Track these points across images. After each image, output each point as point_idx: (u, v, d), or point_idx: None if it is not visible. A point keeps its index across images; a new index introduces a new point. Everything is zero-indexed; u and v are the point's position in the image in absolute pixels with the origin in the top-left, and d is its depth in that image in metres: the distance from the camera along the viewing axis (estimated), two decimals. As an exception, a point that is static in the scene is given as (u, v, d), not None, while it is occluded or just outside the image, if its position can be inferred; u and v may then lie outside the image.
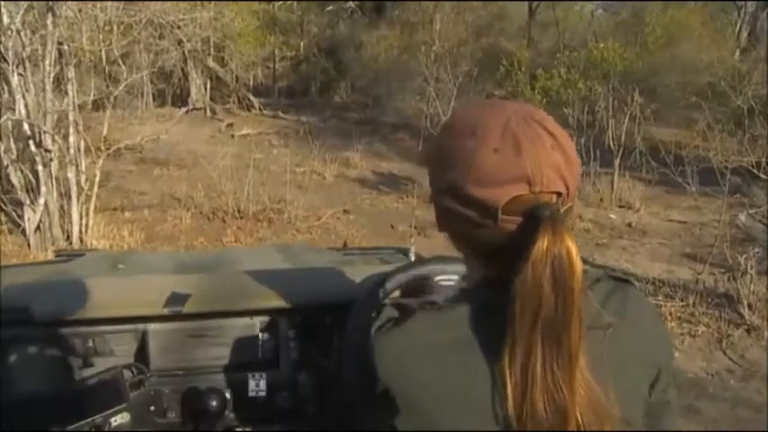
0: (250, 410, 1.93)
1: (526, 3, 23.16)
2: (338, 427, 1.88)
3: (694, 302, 7.21)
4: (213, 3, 19.11)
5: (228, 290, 2.09)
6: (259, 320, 1.99)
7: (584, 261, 1.01)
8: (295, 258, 2.98)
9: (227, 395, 1.89)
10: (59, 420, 1.76)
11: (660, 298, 7.33)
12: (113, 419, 1.80)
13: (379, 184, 13.00)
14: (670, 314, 7.04)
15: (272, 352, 1.99)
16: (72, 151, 7.85)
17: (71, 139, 7.81)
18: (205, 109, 19.36)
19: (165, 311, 1.91)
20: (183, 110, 19.15)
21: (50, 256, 6.77)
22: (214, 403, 1.84)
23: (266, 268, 2.39)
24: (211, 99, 19.99)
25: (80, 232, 8.09)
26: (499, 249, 1.06)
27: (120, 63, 8.66)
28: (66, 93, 7.61)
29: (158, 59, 18.11)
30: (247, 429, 1.93)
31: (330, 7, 22.53)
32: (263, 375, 1.92)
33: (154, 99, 20.26)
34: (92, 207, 8.34)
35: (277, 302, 1.98)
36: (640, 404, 1.11)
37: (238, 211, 10.06)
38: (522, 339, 0.99)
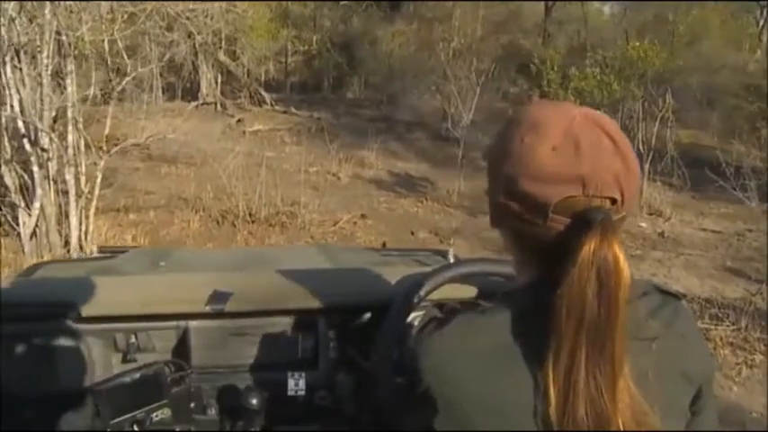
0: (289, 409, 1.93)
1: (542, 1, 22.43)
2: (375, 428, 1.87)
3: (747, 326, 6.46)
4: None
5: (269, 289, 2.04)
6: (299, 320, 1.98)
7: (630, 273, 0.95)
8: (334, 258, 2.96)
9: (267, 394, 1.85)
10: (101, 415, 1.76)
11: (707, 320, 6.57)
12: (154, 415, 1.82)
13: (395, 186, 12.26)
14: (720, 339, 6.30)
15: (312, 352, 1.98)
16: (71, 151, 7.08)
17: (70, 137, 7.04)
18: (216, 103, 18.65)
19: (207, 309, 1.90)
20: (193, 104, 18.43)
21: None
22: (253, 401, 1.81)
23: (306, 268, 2.39)
24: (222, 93, 19.28)
25: (79, 238, 7.35)
26: (547, 250, 1.02)
27: (124, 55, 7.87)
28: (65, 88, 6.83)
29: (167, 52, 17.49)
30: (286, 428, 1.92)
31: (344, 1, 21.73)
32: (303, 375, 1.93)
33: (163, 93, 19.54)
34: (92, 211, 7.58)
35: (317, 302, 1.96)
36: (682, 419, 1.08)
37: (249, 215, 9.34)
38: (566, 344, 0.96)
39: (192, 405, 1.91)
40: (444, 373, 1.05)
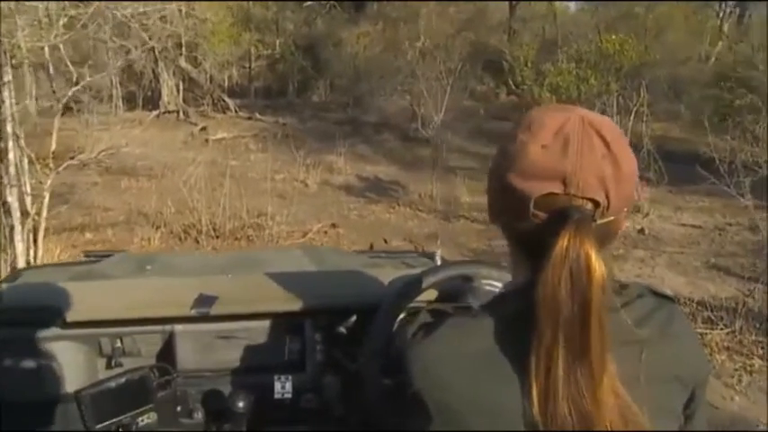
0: (275, 412, 1.91)
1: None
2: (363, 429, 1.87)
3: (741, 328, 6.04)
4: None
5: (255, 292, 2.02)
6: (285, 323, 1.96)
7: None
8: (321, 261, 2.89)
9: (253, 397, 1.83)
10: (86, 420, 1.76)
11: (700, 324, 6.15)
12: (140, 419, 1.82)
13: (366, 191, 11.72)
14: (716, 344, 5.90)
15: (298, 354, 1.97)
16: (12, 170, 6.42)
17: (10, 155, 6.37)
18: (178, 112, 18.02)
19: (193, 313, 1.88)
20: (154, 113, 17.77)
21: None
22: (240, 405, 1.80)
23: (292, 270, 2.37)
24: (184, 101, 18.65)
25: (27, 263, 6.69)
26: (534, 248, 1.01)
27: (68, 63, 7.22)
28: (2, 101, 6.17)
29: (125, 60, 16.80)
30: (272, 431, 1.91)
31: (308, 3, 21.14)
32: (289, 378, 1.91)
33: (124, 102, 18.84)
34: (41, 233, 6.93)
35: (303, 305, 1.95)
36: (674, 422, 1.08)
37: (213, 229, 8.75)
38: (544, 344, 0.96)
39: (179, 409, 1.90)
40: (435, 377, 1.04)
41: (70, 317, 1.86)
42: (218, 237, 8.69)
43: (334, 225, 9.52)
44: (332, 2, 20.63)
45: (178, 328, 1.92)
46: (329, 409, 1.93)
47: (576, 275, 0.95)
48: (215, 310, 1.91)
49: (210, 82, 19.04)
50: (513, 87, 21.84)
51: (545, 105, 1.22)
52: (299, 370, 1.96)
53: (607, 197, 1.00)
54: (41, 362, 1.87)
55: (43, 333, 1.87)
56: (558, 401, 0.95)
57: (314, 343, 1.97)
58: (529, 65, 10.51)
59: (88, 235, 8.76)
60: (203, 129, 16.45)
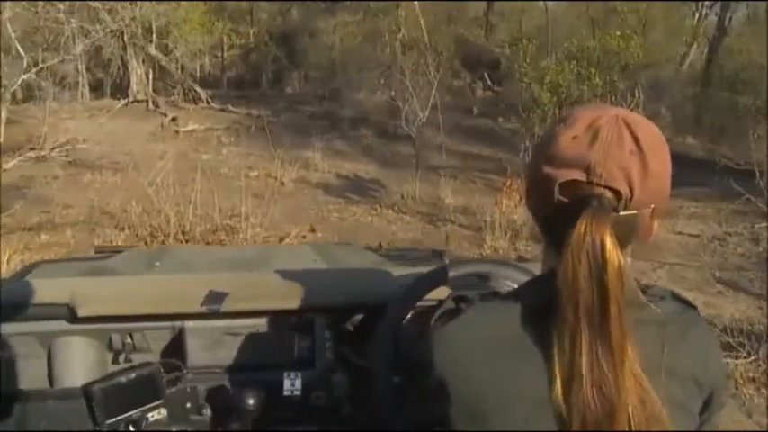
0: (284, 409, 1.90)
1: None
2: (371, 427, 1.84)
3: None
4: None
5: (265, 289, 1.98)
6: (295, 320, 1.94)
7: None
8: (331, 258, 2.81)
9: (263, 394, 1.82)
10: (96, 415, 1.76)
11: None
12: (150, 415, 1.82)
13: (345, 191, 10.95)
14: (740, 375, 5.25)
15: (308, 351, 1.95)
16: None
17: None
18: (147, 101, 17.09)
19: (203, 309, 1.87)
20: (123, 102, 16.82)
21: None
22: (249, 402, 1.79)
23: (302, 267, 2.32)
24: (154, 90, 17.69)
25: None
26: (557, 233, 1.01)
27: (19, 47, 6.35)
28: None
29: (89, 44, 15.82)
30: (281, 428, 1.90)
31: (283, -10, 20.29)
32: (299, 375, 1.89)
33: (91, 90, 17.83)
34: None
35: (313, 302, 1.93)
36: (690, 421, 1.06)
37: (182, 233, 7.90)
38: (567, 330, 0.96)
39: (188, 405, 1.88)
40: (459, 361, 1.04)
41: (82, 312, 1.83)
42: (187, 240, 7.85)
43: (312, 229, 8.75)
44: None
45: (188, 324, 1.91)
46: (338, 407, 1.90)
47: (592, 262, 0.95)
48: (225, 306, 1.89)
49: (182, 71, 18.09)
50: (490, 83, 21.51)
51: (589, 104, 1.15)
52: (309, 367, 1.94)
53: (631, 189, 0.99)
54: (52, 356, 1.87)
55: (54, 327, 1.86)
56: (582, 386, 0.94)
57: (323, 340, 1.94)
58: (528, 60, 9.74)
59: (44, 236, 7.88)
60: (173, 120, 15.56)
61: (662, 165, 1.03)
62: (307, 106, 17.88)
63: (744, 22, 18.78)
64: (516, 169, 11.94)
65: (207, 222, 8.18)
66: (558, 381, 0.96)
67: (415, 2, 15.67)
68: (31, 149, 10.83)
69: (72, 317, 1.84)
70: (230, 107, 17.19)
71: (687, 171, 12.14)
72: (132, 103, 16.98)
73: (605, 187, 0.99)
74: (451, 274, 1.76)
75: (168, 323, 1.91)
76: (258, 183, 10.73)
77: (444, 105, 13.54)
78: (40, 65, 7.01)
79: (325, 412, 1.91)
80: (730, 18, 18.85)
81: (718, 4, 19.60)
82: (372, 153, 13.59)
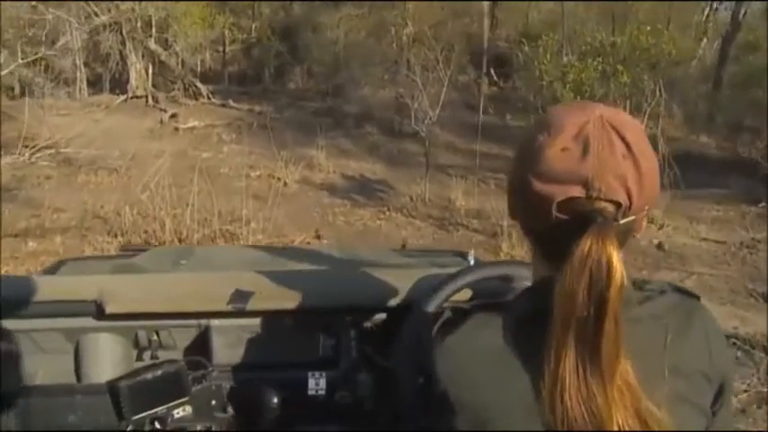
0: (309, 408, 1.89)
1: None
2: (395, 427, 1.81)
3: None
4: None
5: (290, 288, 1.95)
6: (320, 319, 1.93)
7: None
8: (355, 258, 2.80)
9: (287, 392, 1.84)
10: (124, 411, 1.76)
11: (763, 376, 4.94)
12: (175, 412, 1.82)
13: (351, 193, 10.37)
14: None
15: (332, 351, 1.94)
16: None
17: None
18: (147, 97, 16.45)
19: (229, 308, 1.86)
20: (121, 98, 16.21)
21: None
22: (274, 400, 1.81)
23: (327, 267, 2.38)
24: (154, 86, 17.05)
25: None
26: (552, 248, 1.02)
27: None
28: None
29: (90, 39, 15.26)
30: (305, 427, 1.88)
31: (286, -17, 19.61)
32: (323, 374, 1.89)
33: (89, 85, 17.20)
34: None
35: (338, 302, 1.93)
36: (701, 418, 1.03)
37: (179, 240, 7.33)
38: (554, 344, 0.95)
39: (213, 403, 1.87)
40: (458, 374, 1.04)
41: (110, 309, 1.82)
42: (184, 248, 7.27)
43: (318, 235, 8.19)
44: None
45: (214, 322, 1.90)
46: (362, 406, 1.86)
47: (595, 277, 0.93)
48: (251, 305, 1.86)
49: (182, 66, 17.45)
50: (496, 79, 20.89)
51: (564, 104, 1.21)
52: (333, 366, 1.91)
53: (629, 198, 0.97)
54: (79, 352, 1.87)
55: (82, 324, 1.86)
56: (567, 401, 0.93)
57: (348, 340, 1.91)
58: (549, 57, 9.04)
59: (32, 243, 7.31)
60: (173, 116, 14.98)
61: (651, 162, 1.00)
62: (310, 102, 17.26)
63: (759, 16, 17.99)
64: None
65: (205, 228, 7.66)
66: (545, 394, 0.95)
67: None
68: (25, 147, 10.29)
69: (100, 314, 1.85)
70: (232, 103, 16.59)
71: (705, 171, 11.56)
72: (131, 98, 16.37)
73: (605, 200, 0.96)
74: (476, 275, 1.74)
75: (194, 321, 1.91)
76: (260, 183, 10.18)
77: (451, 102, 12.95)
78: (29, 57, 6.41)
79: (350, 412, 1.89)
80: (745, 13, 18.14)
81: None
82: (378, 151, 13.00)
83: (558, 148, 0.97)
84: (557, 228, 0.98)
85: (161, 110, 15.55)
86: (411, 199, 9.93)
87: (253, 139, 13.04)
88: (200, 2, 17.80)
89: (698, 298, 1.11)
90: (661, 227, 9.09)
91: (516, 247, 7.68)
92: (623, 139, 0.97)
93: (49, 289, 1.92)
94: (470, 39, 18.80)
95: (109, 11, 15.34)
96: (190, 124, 14.37)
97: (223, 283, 1.94)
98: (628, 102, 8.85)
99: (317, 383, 1.88)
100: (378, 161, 12.38)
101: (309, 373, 1.88)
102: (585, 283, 0.93)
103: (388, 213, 9.28)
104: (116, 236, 7.67)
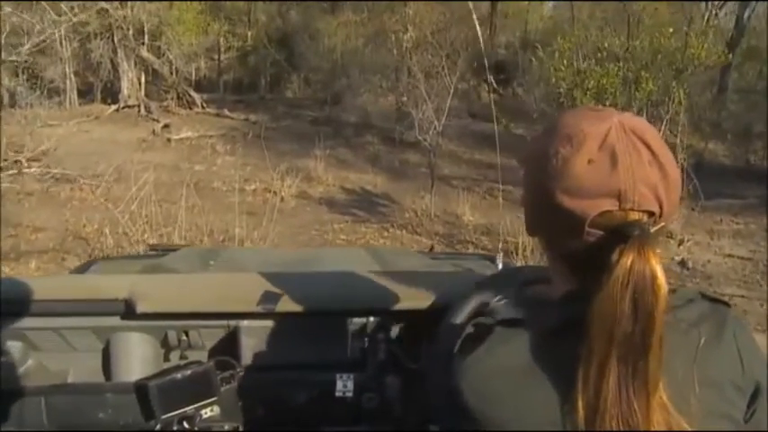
0: (336, 410, 1.83)
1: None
2: (422, 430, 1.71)
3: None
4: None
5: (319, 290, 1.93)
6: (348, 321, 1.85)
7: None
8: (384, 261, 2.76)
9: (315, 394, 1.82)
10: (153, 410, 1.72)
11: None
12: (204, 412, 1.77)
13: (352, 207, 9.63)
14: None
15: (360, 353, 1.86)
16: None
17: None
18: (139, 106, 15.76)
19: (259, 309, 1.83)
20: (113, 108, 15.50)
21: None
22: (301, 401, 1.81)
23: (355, 269, 2.21)
24: (146, 95, 16.36)
25: None
26: (583, 262, 0.97)
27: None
28: None
29: (81, 47, 14.57)
30: (333, 429, 1.82)
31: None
32: (351, 376, 1.82)
33: (80, 95, 16.49)
34: None
35: (367, 304, 1.86)
36: (731, 427, 0.98)
37: (165, 263, 6.56)
38: (596, 359, 0.91)
39: (241, 403, 1.82)
40: (482, 391, 0.99)
41: (140, 308, 1.79)
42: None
43: (317, 256, 7.43)
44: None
45: (243, 323, 1.85)
46: (390, 409, 1.79)
47: (640, 292, 0.89)
48: (279, 306, 1.81)
49: (175, 74, 16.73)
50: (495, 86, 20.26)
51: (577, 110, 1.03)
52: (361, 369, 1.82)
53: (660, 206, 0.94)
54: (110, 350, 1.86)
55: (112, 323, 1.85)
56: (606, 419, 0.90)
57: (376, 342, 1.82)
58: (566, 63, 8.30)
59: (5, 268, 6.54)
60: (166, 126, 14.28)
61: (675, 167, 0.96)
62: (307, 111, 16.57)
63: (765, 20, 17.27)
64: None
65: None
66: (581, 411, 0.90)
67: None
68: (4, 161, 9.62)
69: (130, 313, 1.81)
70: (227, 112, 15.91)
71: (717, 180, 10.85)
72: (123, 108, 15.67)
73: (639, 211, 0.92)
74: (504, 279, 1.52)
75: (223, 321, 1.86)
76: (255, 198, 9.47)
77: (451, 110, 12.25)
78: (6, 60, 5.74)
79: (377, 414, 1.79)
80: (749, 17, 17.47)
81: (733, 2, 18.26)
82: (379, 162, 12.29)
83: (585, 160, 0.92)
84: (589, 243, 0.94)
85: (153, 120, 14.86)
86: (416, 214, 9.21)
87: (248, 150, 12.32)
88: (195, 8, 17.11)
89: (728, 305, 1.04)
90: (681, 242, 8.40)
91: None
92: (647, 145, 0.93)
93: (79, 287, 1.93)
94: (471, 45, 18.15)
95: (99, 16, 14.61)
96: (183, 135, 13.65)
97: (252, 285, 1.90)
98: (647, 109, 8.12)
99: (344, 385, 1.83)
100: (379, 173, 11.66)
101: (337, 375, 1.83)
102: (630, 298, 0.88)
103: (391, 231, 8.55)
104: (97, 257, 6.91)
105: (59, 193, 9.55)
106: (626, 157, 0.91)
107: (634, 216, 0.92)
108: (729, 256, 8.23)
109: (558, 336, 0.96)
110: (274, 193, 9.61)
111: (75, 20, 10.80)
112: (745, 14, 17.08)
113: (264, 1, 20.26)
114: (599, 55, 8.13)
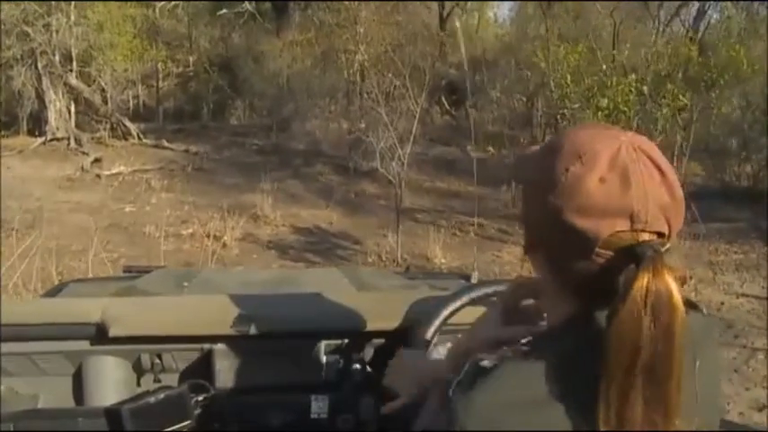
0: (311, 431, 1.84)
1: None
2: None
3: None
4: (74, 3, 14.03)
5: (294, 311, 1.88)
6: (324, 343, 1.80)
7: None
8: (359, 281, 2.63)
9: (290, 416, 1.75)
10: None
11: None
12: None
13: (305, 251, 8.25)
14: None
15: (336, 374, 1.83)
16: None
17: None
18: (68, 138, 14.08)
19: (233, 331, 1.75)
20: (39, 141, 13.84)
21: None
22: (277, 424, 1.74)
23: (331, 290, 2.16)
24: (77, 126, 14.70)
25: None
26: (587, 285, 0.91)
27: None
28: None
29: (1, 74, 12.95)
30: None
31: (223, 10, 17.39)
32: (326, 397, 1.78)
33: (5, 127, 14.76)
34: None
35: (342, 325, 1.81)
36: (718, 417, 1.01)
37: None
38: (617, 383, 0.84)
39: (216, 426, 1.77)
40: (492, 427, 0.89)
41: (113, 332, 1.72)
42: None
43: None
44: (249, 11, 16.97)
45: (217, 345, 1.76)
46: (365, 430, 1.75)
47: (659, 313, 0.83)
48: (254, 329, 1.74)
49: (109, 103, 15.12)
50: (447, 107, 19.18)
51: (583, 128, 0.98)
52: (337, 390, 1.78)
53: (669, 226, 0.90)
54: (82, 375, 1.79)
55: (84, 347, 1.77)
56: None
57: (352, 363, 1.77)
58: (569, 80, 7.14)
59: None
60: (96, 160, 12.69)
61: (678, 186, 0.91)
62: (253, 139, 15.14)
63: (720, 29, 16.18)
64: (510, 212, 9.50)
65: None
66: None
67: (374, 11, 13.05)
68: None
69: (102, 336, 1.74)
70: (165, 143, 14.38)
71: (708, 205, 9.88)
72: (51, 141, 14.01)
73: (650, 232, 0.87)
74: (475, 294, 1.60)
75: (197, 344, 1.78)
76: (192, 245, 8.01)
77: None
78: None
79: None
80: (706, 27, 16.56)
81: (684, 12, 17.38)
82: (333, 195, 10.91)
83: (596, 179, 0.86)
84: (599, 265, 0.88)
85: (83, 153, 13.25)
86: (380, 257, 7.87)
87: (187, 186, 10.87)
88: (129, 32, 15.56)
89: (704, 313, 0.99)
90: (684, 280, 7.21)
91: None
92: (657, 165, 0.88)
93: (51, 311, 1.87)
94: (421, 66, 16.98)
95: (19, 40, 13.01)
96: (114, 170, 12.11)
97: (226, 307, 1.81)
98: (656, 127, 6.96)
99: (319, 407, 1.75)
100: (333, 207, 10.29)
101: (312, 397, 1.76)
102: (649, 320, 0.82)
103: (353, 278, 7.21)
104: None
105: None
106: (638, 177, 0.86)
107: (645, 237, 0.86)
108: (744, 295, 7.09)
109: (569, 364, 0.88)
110: (215, 237, 8.15)
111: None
112: (701, 26, 16.25)
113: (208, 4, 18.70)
114: (604, 69, 6.93)
